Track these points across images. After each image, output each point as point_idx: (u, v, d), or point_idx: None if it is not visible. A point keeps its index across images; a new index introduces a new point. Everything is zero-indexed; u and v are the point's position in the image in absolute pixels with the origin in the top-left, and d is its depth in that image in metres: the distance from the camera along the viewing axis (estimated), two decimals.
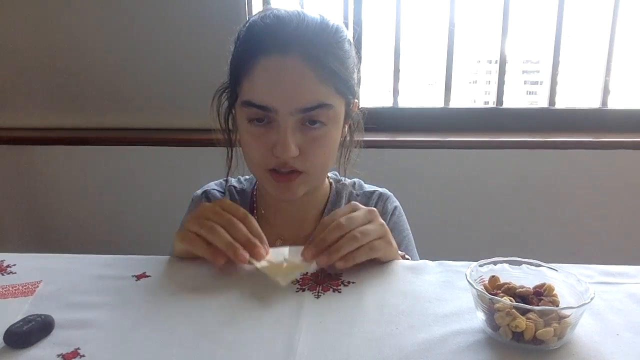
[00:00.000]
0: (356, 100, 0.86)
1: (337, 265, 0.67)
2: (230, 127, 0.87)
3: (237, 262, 0.67)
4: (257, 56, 0.74)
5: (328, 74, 0.75)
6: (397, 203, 0.95)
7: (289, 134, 0.74)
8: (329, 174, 0.96)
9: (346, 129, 0.87)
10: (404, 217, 0.95)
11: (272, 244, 0.88)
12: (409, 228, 0.95)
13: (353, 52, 0.82)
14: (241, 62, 0.77)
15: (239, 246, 0.66)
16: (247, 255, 0.66)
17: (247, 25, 0.80)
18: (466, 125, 1.73)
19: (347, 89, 0.79)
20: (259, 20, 0.78)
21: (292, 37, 0.73)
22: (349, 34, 0.82)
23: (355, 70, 0.82)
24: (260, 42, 0.75)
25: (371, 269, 0.71)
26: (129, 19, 1.68)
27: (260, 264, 0.68)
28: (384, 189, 0.97)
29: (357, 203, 0.73)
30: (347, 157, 0.92)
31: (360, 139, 0.93)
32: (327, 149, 0.79)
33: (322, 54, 0.74)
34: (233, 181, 0.97)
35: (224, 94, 0.85)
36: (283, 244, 0.88)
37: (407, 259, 0.79)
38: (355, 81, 0.82)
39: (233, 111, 0.84)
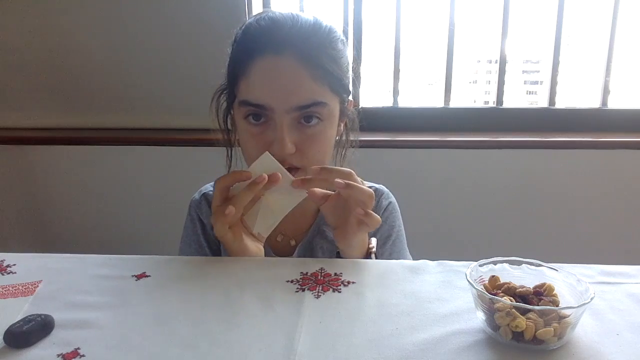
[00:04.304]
0: (351, 99, 0.87)
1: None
2: (229, 127, 0.89)
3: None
4: (252, 57, 0.76)
5: (322, 73, 0.76)
6: (392, 199, 0.97)
7: (285, 132, 0.75)
8: None
9: (342, 127, 0.89)
10: (398, 213, 0.96)
11: (273, 240, 0.90)
12: (401, 225, 0.96)
13: (346, 52, 0.83)
14: (238, 63, 0.79)
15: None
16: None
17: (242, 28, 0.82)
18: (466, 125, 1.73)
19: (341, 87, 0.81)
20: (254, 22, 0.80)
21: (287, 38, 0.75)
22: (342, 35, 0.84)
23: (349, 69, 0.84)
24: (256, 43, 0.77)
25: (371, 269, 0.71)
26: (129, 19, 1.68)
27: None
28: (381, 185, 0.98)
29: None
30: (343, 155, 0.93)
31: (356, 138, 0.95)
32: (323, 146, 0.81)
33: (316, 53, 0.76)
34: None
35: (223, 95, 0.87)
36: (284, 239, 0.89)
37: (373, 251, 0.82)
38: (349, 79, 0.84)
39: (232, 111, 0.86)
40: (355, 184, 0.73)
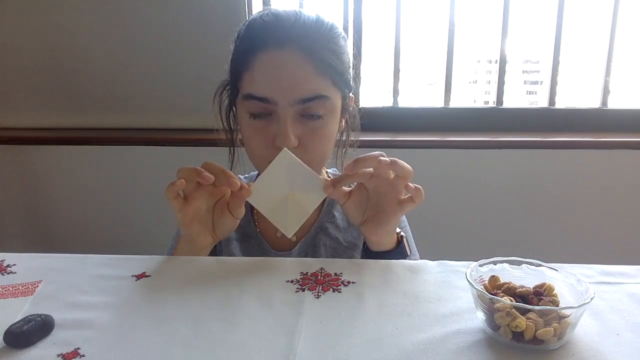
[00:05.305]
0: (352, 95, 0.88)
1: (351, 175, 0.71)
2: (232, 126, 0.89)
3: (227, 185, 0.72)
4: (256, 51, 0.77)
5: (325, 67, 0.77)
6: None
7: (289, 125, 0.76)
8: (329, 170, 0.98)
9: (343, 123, 0.89)
10: None
11: (273, 236, 0.90)
12: (407, 222, 0.97)
13: (347, 49, 0.84)
14: (241, 58, 0.79)
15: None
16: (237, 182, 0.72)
17: (246, 24, 0.83)
18: (466, 125, 1.73)
19: (343, 82, 0.81)
20: (258, 18, 0.81)
21: (290, 33, 0.76)
22: (343, 32, 0.85)
23: (351, 66, 0.85)
24: (259, 37, 0.78)
25: (371, 269, 0.71)
26: (129, 19, 1.68)
27: (262, 206, 0.74)
28: None
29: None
30: (344, 153, 0.94)
31: (357, 138, 0.95)
32: (325, 140, 0.82)
33: (318, 47, 0.77)
34: None
35: (225, 92, 0.87)
36: (284, 235, 0.89)
37: (402, 235, 0.81)
38: (351, 76, 0.85)
39: (234, 109, 0.86)
40: (398, 160, 0.71)
